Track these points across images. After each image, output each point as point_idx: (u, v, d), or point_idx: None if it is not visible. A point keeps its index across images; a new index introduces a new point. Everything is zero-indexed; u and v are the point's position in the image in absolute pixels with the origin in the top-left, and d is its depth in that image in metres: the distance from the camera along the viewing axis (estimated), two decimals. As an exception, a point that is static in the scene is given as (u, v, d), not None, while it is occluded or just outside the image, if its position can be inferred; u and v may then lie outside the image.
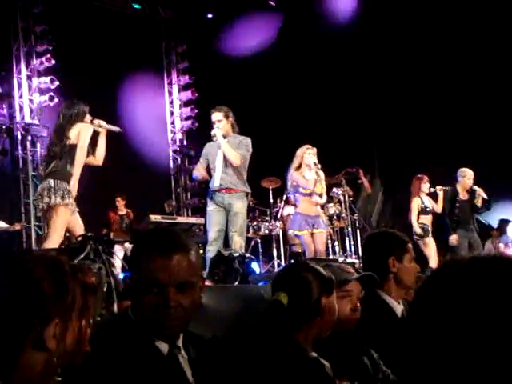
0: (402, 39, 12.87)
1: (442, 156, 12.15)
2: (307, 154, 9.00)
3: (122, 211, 12.64)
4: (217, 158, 7.90)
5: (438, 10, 12.49)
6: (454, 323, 1.00)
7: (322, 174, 9.04)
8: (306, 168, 8.98)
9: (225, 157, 7.85)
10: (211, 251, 7.50)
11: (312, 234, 8.93)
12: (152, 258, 2.11)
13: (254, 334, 2.79)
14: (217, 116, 7.97)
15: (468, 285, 1.02)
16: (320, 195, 9.05)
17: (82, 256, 3.80)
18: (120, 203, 12.62)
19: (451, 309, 1.01)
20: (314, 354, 2.77)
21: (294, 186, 9.08)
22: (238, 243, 7.66)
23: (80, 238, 4.42)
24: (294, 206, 9.79)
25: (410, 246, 3.68)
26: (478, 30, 12.20)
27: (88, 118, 6.84)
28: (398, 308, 3.50)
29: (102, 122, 6.93)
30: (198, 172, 8.37)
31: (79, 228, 6.48)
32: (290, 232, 9.81)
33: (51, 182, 6.40)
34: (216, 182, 7.88)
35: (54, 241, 6.25)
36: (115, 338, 2.16)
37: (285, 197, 10.93)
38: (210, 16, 14.82)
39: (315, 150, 9.09)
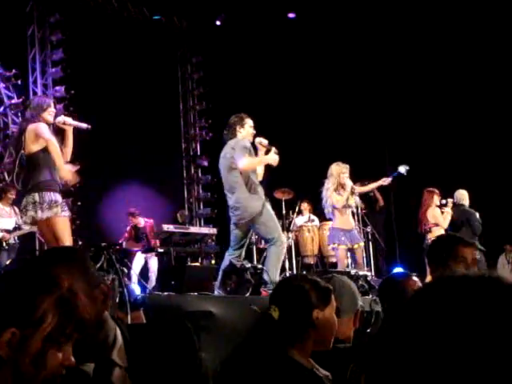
0: (418, 57, 12.92)
1: (455, 171, 12.14)
2: (342, 174, 9.43)
3: (140, 224, 12.50)
4: None
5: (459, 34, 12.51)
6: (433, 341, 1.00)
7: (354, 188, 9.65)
8: (341, 187, 9.43)
9: None
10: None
11: (353, 249, 9.48)
12: None
13: (247, 349, 2.78)
14: None
15: (456, 304, 1.01)
16: (356, 207, 9.96)
17: (96, 267, 3.81)
18: (137, 219, 12.51)
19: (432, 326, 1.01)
20: (311, 367, 2.78)
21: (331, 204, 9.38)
22: None
23: (93, 249, 4.43)
24: (329, 220, 10.12)
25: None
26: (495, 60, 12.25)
27: (50, 111, 6.55)
28: None
29: (67, 119, 6.71)
30: None
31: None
32: (330, 247, 10.04)
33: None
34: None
35: None
36: None
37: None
38: (218, 23, 14.85)
39: (348, 167, 9.53)
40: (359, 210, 10.69)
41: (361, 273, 8.69)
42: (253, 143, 7.78)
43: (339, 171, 9.43)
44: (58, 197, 6.38)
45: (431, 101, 12.95)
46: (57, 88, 12.86)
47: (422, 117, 13.03)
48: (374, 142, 13.57)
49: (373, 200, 12.25)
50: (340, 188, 9.40)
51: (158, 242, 11.67)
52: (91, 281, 2.06)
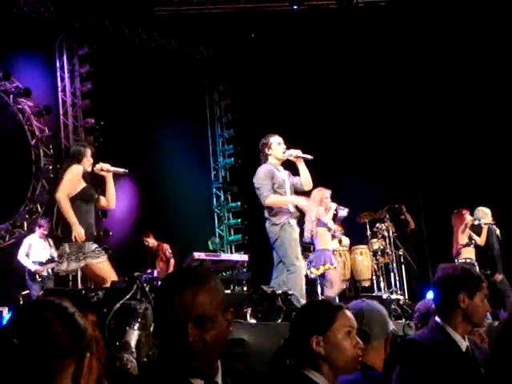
0: (448, 83, 12.92)
1: (485, 192, 12.02)
2: (326, 199, 9.25)
3: (154, 247, 12.31)
4: (286, 183, 7.56)
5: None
6: None
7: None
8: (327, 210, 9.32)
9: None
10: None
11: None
12: (168, 296, 2.11)
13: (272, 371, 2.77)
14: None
15: None
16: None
17: (127, 296, 3.83)
18: (149, 242, 12.37)
19: None
20: None
21: (318, 220, 9.15)
22: None
23: (126, 278, 4.45)
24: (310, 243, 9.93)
25: (484, 284, 3.57)
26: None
27: (87, 160, 6.68)
28: (463, 343, 3.42)
29: (105, 166, 6.80)
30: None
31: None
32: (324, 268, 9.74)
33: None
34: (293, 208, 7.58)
35: None
36: (154, 379, 2.19)
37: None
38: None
39: (330, 192, 9.37)
40: (390, 233, 10.63)
41: (393, 297, 8.63)
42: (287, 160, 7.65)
43: (322, 196, 9.29)
44: (91, 246, 6.45)
45: (461, 123, 12.89)
46: (87, 119, 13.05)
47: (451, 138, 12.96)
48: (405, 166, 13.52)
49: (404, 223, 12.18)
50: (326, 211, 9.30)
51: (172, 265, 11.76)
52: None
